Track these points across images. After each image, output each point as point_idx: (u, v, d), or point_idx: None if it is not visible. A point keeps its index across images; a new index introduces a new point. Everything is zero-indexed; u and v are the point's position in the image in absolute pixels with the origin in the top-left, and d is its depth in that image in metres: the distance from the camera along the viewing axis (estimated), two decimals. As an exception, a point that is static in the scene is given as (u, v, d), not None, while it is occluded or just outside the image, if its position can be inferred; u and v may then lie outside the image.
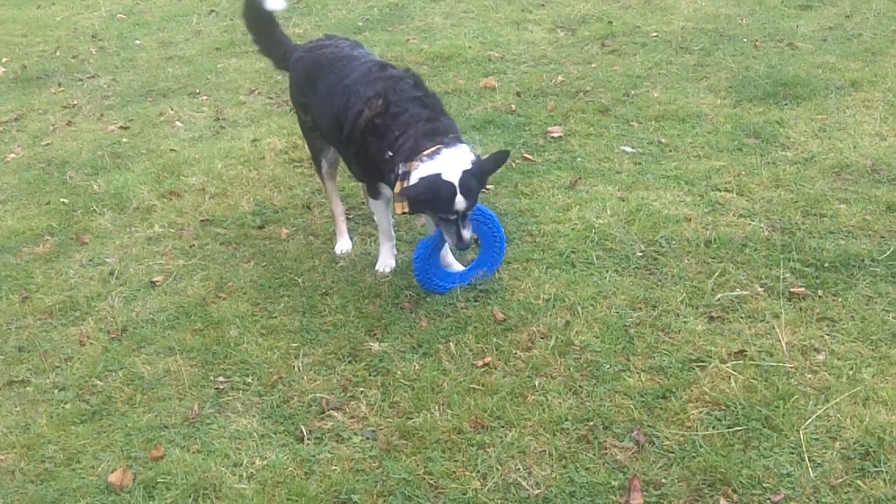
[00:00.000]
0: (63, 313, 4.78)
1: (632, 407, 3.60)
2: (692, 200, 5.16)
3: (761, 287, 4.28)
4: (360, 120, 4.42)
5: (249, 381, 4.05)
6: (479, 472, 3.37)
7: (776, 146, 5.79)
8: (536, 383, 3.80)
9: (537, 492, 3.25)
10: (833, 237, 4.64)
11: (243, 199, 5.87)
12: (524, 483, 3.29)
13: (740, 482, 3.18)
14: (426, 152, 4.18)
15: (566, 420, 3.57)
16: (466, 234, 4.24)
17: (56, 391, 4.15)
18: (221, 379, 4.08)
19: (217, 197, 5.96)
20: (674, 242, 4.72)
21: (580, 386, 3.76)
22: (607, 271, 4.53)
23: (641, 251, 4.68)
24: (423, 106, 4.41)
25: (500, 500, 3.23)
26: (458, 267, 4.66)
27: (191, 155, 6.73)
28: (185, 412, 3.89)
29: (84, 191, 6.34)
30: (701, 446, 3.35)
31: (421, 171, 4.14)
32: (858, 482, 3.13)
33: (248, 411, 3.86)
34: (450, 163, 4.15)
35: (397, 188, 4.22)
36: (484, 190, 4.58)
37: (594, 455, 3.39)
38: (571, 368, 3.86)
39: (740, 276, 4.38)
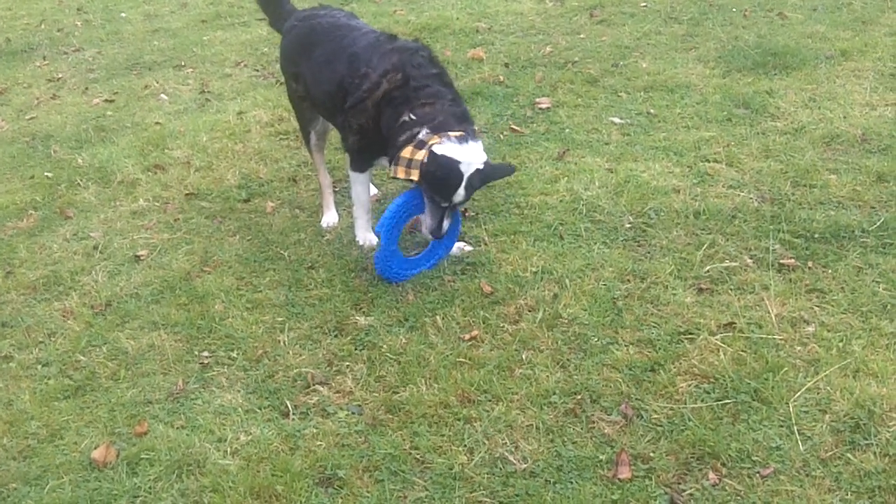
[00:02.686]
0: (47, 288, 4.73)
1: (620, 380, 3.57)
2: (681, 171, 5.12)
3: (750, 258, 4.24)
4: (377, 92, 4.36)
5: (234, 355, 4.01)
6: (465, 446, 3.34)
7: (766, 116, 5.74)
8: (524, 357, 3.77)
9: (524, 466, 3.22)
10: (823, 208, 4.60)
11: (229, 172, 5.81)
12: (511, 457, 3.26)
13: (729, 456, 3.15)
14: (455, 134, 4.16)
15: (553, 394, 3.54)
16: (445, 225, 4.23)
17: (39, 367, 4.11)
18: (206, 354, 4.04)
19: (202, 170, 5.90)
20: (662, 214, 4.68)
21: (568, 359, 3.73)
22: (595, 243, 4.49)
23: (630, 223, 4.64)
24: (443, 84, 4.41)
25: (486, 475, 3.20)
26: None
27: (176, 128, 6.66)
28: (169, 387, 3.85)
29: (68, 164, 6.27)
30: (689, 420, 3.33)
31: (445, 149, 4.09)
32: (849, 455, 3.11)
33: (233, 386, 3.82)
34: (471, 155, 4.13)
35: (406, 152, 4.18)
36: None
37: (582, 429, 3.37)
38: (559, 341, 3.83)
39: (729, 247, 4.34)
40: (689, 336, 3.77)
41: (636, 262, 4.31)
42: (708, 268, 4.19)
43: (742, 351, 3.64)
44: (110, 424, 3.68)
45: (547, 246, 4.51)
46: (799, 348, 3.64)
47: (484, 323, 4.00)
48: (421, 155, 4.13)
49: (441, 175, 4.09)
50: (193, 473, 3.36)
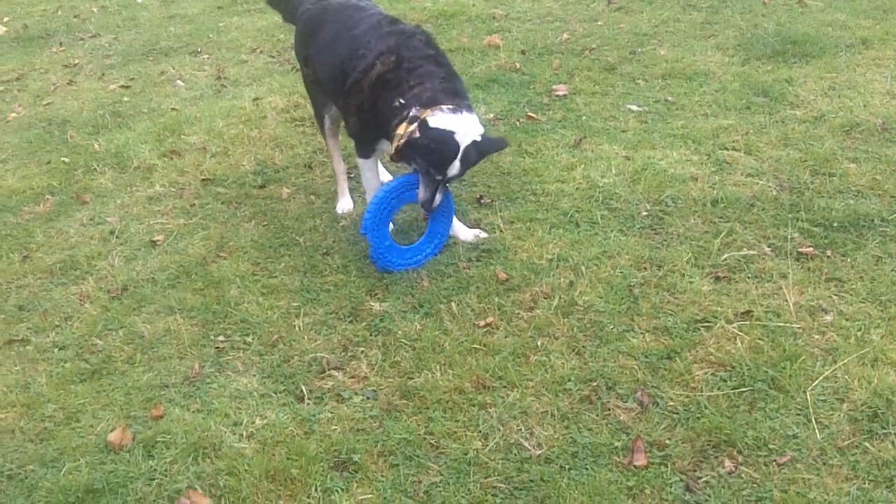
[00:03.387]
0: (63, 272, 4.75)
1: (636, 367, 3.55)
2: (699, 159, 5.09)
3: (769, 247, 4.22)
4: (371, 73, 4.34)
5: (250, 340, 4.01)
6: (480, 432, 3.34)
7: (785, 105, 5.69)
8: (539, 343, 3.75)
9: (539, 452, 3.22)
10: (842, 197, 4.56)
11: (244, 158, 5.81)
12: (526, 443, 3.26)
13: (745, 443, 3.14)
14: (446, 106, 4.13)
15: (569, 381, 3.53)
16: (438, 198, 4.20)
17: (56, 350, 4.12)
18: (222, 338, 4.04)
19: (218, 156, 5.90)
20: (680, 202, 4.65)
21: (583, 346, 3.71)
22: (612, 231, 4.47)
23: (647, 210, 4.61)
24: (437, 64, 4.36)
25: (501, 460, 3.20)
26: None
27: (192, 114, 6.66)
28: (185, 371, 3.86)
29: (85, 150, 6.29)
30: (706, 407, 3.31)
31: (438, 120, 4.07)
32: (866, 444, 3.09)
33: (249, 371, 3.83)
34: (466, 126, 4.10)
35: (401, 129, 4.15)
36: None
37: (597, 416, 3.36)
38: (575, 329, 3.82)
39: (747, 235, 4.31)
40: (706, 324, 3.75)
41: (653, 249, 4.28)
42: (725, 256, 4.17)
43: (759, 339, 3.62)
44: (126, 408, 3.70)
45: (563, 233, 4.49)
46: (817, 337, 3.62)
47: (499, 310, 3.99)
48: (413, 128, 4.12)
49: (435, 147, 4.06)
50: (209, 456, 3.37)
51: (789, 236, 4.25)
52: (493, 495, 3.07)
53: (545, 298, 4.03)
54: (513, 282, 4.16)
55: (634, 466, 3.10)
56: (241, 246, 4.76)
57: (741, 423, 3.22)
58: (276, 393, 3.68)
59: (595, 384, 3.50)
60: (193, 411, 3.62)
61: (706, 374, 3.48)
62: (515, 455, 3.22)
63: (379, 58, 4.33)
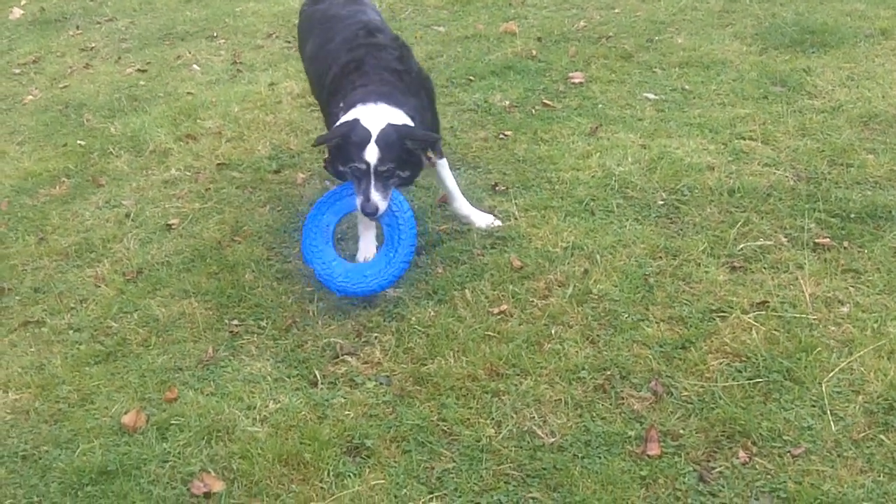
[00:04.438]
0: (79, 255, 4.77)
1: (650, 357, 3.54)
2: (716, 149, 5.06)
3: (785, 237, 4.19)
4: (325, 80, 4.28)
5: (264, 324, 4.02)
6: (493, 419, 3.34)
7: (803, 94, 5.65)
8: (553, 332, 3.75)
9: (552, 440, 3.21)
10: (860, 188, 4.53)
11: (259, 143, 5.81)
12: (539, 431, 3.25)
13: (760, 434, 3.12)
14: (362, 104, 3.93)
15: (583, 369, 3.52)
16: (376, 195, 3.83)
17: (71, 332, 4.15)
18: (236, 322, 4.05)
19: (233, 141, 5.91)
20: (696, 191, 4.62)
21: (598, 335, 3.70)
22: (627, 220, 4.45)
23: (663, 199, 4.59)
24: (398, 79, 4.15)
25: (514, 448, 3.20)
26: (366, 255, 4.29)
27: (208, 98, 6.67)
28: (199, 355, 3.87)
29: (101, 133, 6.31)
30: (720, 398, 3.30)
31: (347, 117, 3.91)
32: (881, 436, 3.06)
33: (263, 355, 3.84)
34: (375, 114, 3.88)
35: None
36: (427, 161, 4.20)
37: (611, 405, 3.35)
38: (589, 317, 3.81)
39: (764, 225, 4.28)
40: (722, 314, 3.73)
41: (668, 238, 4.27)
42: (742, 246, 4.14)
43: (775, 330, 3.60)
44: (140, 390, 3.72)
45: (578, 221, 4.47)
46: (833, 328, 3.59)
47: (513, 297, 3.98)
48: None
49: (342, 138, 3.87)
50: (223, 439, 3.38)
51: (806, 227, 4.22)
52: (505, 482, 3.07)
53: (559, 286, 4.02)
54: (527, 269, 4.15)
55: (648, 456, 3.09)
56: (255, 230, 4.76)
57: (756, 414, 3.20)
58: (289, 377, 3.69)
59: (609, 373, 3.49)
60: (207, 394, 3.63)
61: (721, 364, 3.46)
62: (528, 443, 3.22)
63: (342, 68, 4.19)
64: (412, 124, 3.96)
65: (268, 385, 3.64)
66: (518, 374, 3.54)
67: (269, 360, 3.80)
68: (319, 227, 4.10)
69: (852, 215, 4.29)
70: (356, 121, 3.85)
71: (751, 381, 3.36)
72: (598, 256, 4.17)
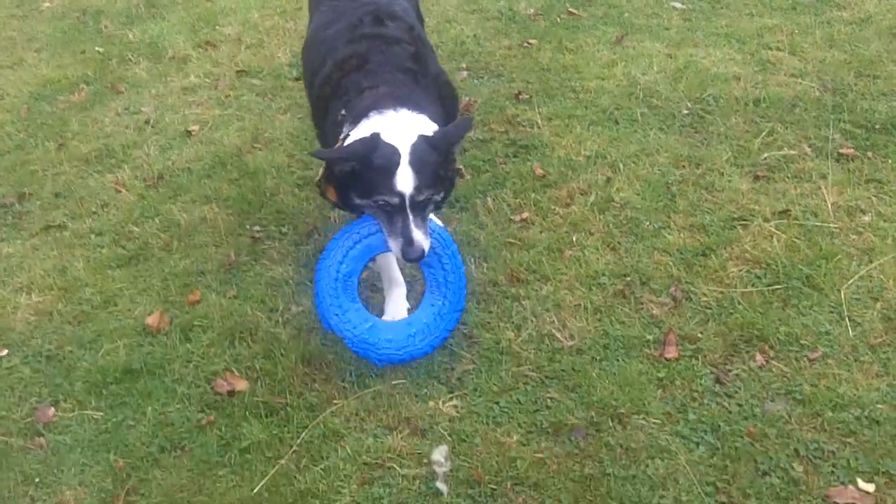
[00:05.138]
0: (99, 161, 4.77)
1: (670, 264, 3.55)
2: (742, 59, 4.98)
3: (809, 147, 4.15)
4: (320, 80, 3.41)
5: (285, 230, 4.04)
6: (513, 323, 3.36)
7: (831, 6, 5.54)
8: (574, 239, 3.75)
9: (571, 343, 3.24)
10: (886, 99, 4.47)
11: (279, 50, 5.76)
12: (558, 335, 3.28)
13: (777, 339, 3.14)
14: (375, 112, 3.06)
15: (603, 275, 3.53)
16: (419, 234, 2.95)
17: (93, 236, 4.17)
18: (257, 228, 4.07)
19: (253, 48, 5.85)
20: (721, 101, 4.57)
21: (619, 242, 3.71)
22: (651, 129, 4.41)
23: (688, 109, 4.54)
24: (413, 80, 3.27)
25: (533, 350, 3.23)
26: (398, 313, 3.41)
27: (227, 5, 6.59)
28: (221, 259, 3.90)
29: (119, 40, 6.26)
30: (739, 303, 3.31)
31: (360, 131, 3.03)
32: (898, 342, 3.09)
33: (284, 260, 3.86)
34: (400, 124, 3.00)
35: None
36: (457, 176, 3.23)
37: (630, 310, 3.37)
38: (611, 225, 3.80)
39: (788, 135, 4.24)
40: (743, 222, 3.72)
41: (692, 148, 4.23)
42: (765, 155, 4.11)
43: (796, 238, 3.59)
44: (163, 293, 3.75)
45: (602, 130, 4.44)
46: (854, 237, 3.59)
47: (535, 205, 3.97)
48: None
49: (360, 161, 2.92)
50: (245, 340, 3.43)
51: (830, 137, 4.17)
52: (524, 383, 3.11)
53: (582, 195, 4.00)
54: (550, 178, 4.13)
55: (665, 359, 3.12)
56: (276, 137, 4.75)
57: (774, 320, 3.22)
58: (311, 282, 3.69)
59: (629, 279, 3.50)
60: (230, 297, 3.67)
61: (741, 271, 3.47)
62: (547, 346, 3.25)
63: (339, 65, 3.33)
64: (431, 125, 3.10)
65: (290, 289, 3.67)
66: (538, 280, 3.56)
67: (291, 265, 3.82)
68: (339, 280, 3.16)
69: (877, 126, 4.24)
70: (376, 136, 2.93)
71: (770, 288, 3.37)
72: (620, 165, 4.15)
